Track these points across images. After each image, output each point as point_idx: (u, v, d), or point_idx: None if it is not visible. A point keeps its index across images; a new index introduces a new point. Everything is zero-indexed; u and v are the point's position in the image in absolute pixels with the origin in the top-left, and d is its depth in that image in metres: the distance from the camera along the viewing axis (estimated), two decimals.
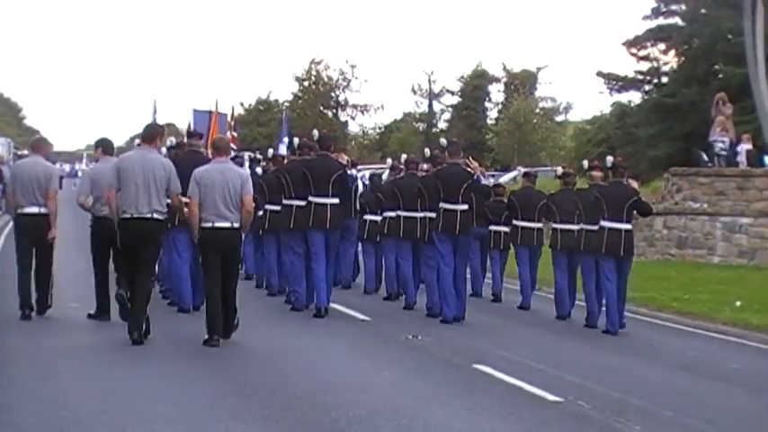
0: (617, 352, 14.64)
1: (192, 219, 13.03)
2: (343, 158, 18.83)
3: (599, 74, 62.10)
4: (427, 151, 19.18)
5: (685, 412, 10.50)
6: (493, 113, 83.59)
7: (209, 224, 12.92)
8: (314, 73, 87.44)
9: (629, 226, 16.29)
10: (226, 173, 13.06)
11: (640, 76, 60.72)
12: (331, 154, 16.70)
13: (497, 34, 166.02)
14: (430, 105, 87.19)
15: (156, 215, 12.78)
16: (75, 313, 15.09)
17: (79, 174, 49.01)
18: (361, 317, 16.31)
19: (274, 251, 18.84)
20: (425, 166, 18.37)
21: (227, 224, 12.91)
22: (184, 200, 13.29)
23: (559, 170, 19.52)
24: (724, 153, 32.96)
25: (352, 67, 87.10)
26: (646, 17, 58.85)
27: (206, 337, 12.82)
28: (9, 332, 13.44)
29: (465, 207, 16.24)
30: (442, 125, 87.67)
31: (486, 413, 9.89)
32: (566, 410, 10.20)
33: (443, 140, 17.82)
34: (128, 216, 12.72)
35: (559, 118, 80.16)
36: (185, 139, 17.10)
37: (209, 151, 15.68)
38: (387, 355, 13.06)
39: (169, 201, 13.13)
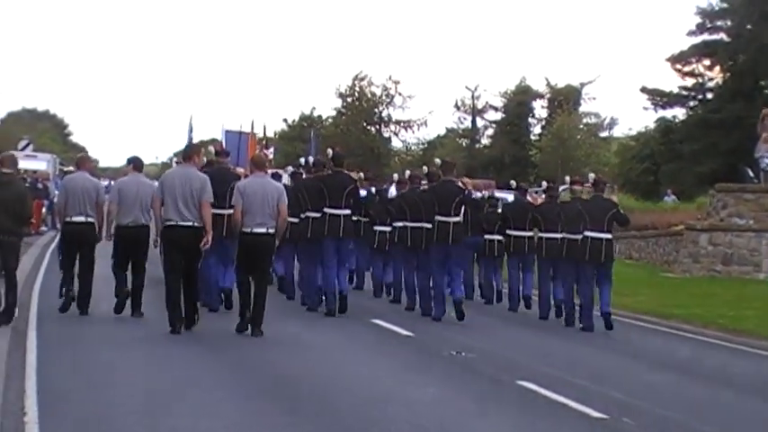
0: (661, 368, 14.59)
1: (237, 224, 15.06)
2: (355, 175, 20.69)
3: (643, 90, 61.93)
4: (425, 169, 21.03)
5: (729, 429, 10.46)
6: (536, 129, 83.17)
7: (249, 230, 14.93)
8: (357, 89, 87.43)
9: (609, 235, 18.20)
10: (265, 186, 15.22)
11: (685, 92, 60.47)
12: (343, 170, 18.42)
13: (541, 50, 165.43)
14: (473, 121, 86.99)
15: (196, 223, 14.69)
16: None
17: None
18: (404, 332, 16.33)
19: (292, 260, 20.15)
20: (424, 182, 19.86)
21: (263, 230, 14.94)
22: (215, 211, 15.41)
23: (544, 185, 21.45)
24: None
25: (396, 83, 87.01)
26: (690, 33, 58.66)
27: (237, 324, 15.05)
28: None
29: (457, 219, 18.15)
30: (485, 141, 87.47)
31: (531, 429, 9.90)
32: (609, 427, 10.19)
33: (438, 160, 20.73)
34: (172, 223, 14.73)
35: (603, 134, 79.64)
36: (214, 157, 18.57)
37: (249, 167, 17.25)
38: (430, 371, 13.09)
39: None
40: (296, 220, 18.52)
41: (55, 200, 24.51)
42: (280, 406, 10.41)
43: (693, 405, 11.75)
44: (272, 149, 40.18)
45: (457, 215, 18.13)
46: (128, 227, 16.10)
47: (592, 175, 19.65)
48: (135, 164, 17.05)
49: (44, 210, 34.47)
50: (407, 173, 21.66)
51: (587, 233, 18.10)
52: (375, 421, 9.79)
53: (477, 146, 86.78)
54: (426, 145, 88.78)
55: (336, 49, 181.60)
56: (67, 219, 16.39)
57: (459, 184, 18.45)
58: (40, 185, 34.61)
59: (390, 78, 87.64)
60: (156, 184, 15.69)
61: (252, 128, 30.83)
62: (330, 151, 19.14)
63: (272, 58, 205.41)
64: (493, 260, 21.88)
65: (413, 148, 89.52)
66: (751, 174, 33.62)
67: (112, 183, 21.12)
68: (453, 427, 9.71)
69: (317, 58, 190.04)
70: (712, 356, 16.58)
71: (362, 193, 19.72)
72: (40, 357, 12.36)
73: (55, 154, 58.91)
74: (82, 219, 16.27)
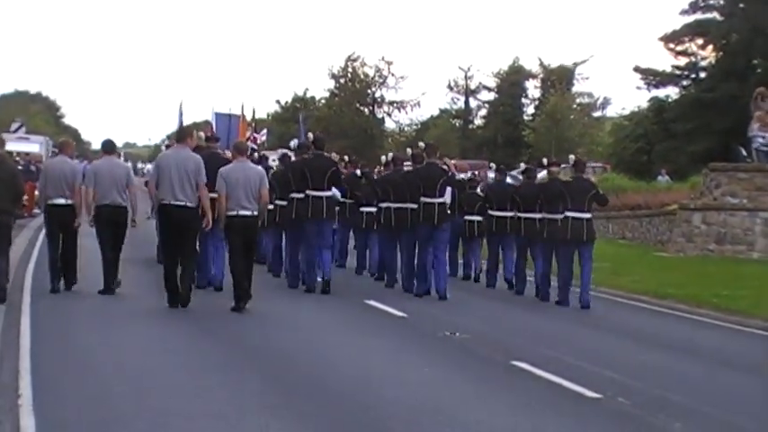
0: (656, 348, 14.58)
1: (221, 209, 15.75)
2: (336, 157, 21.31)
3: (636, 69, 61.89)
4: (409, 151, 21.30)
5: (726, 409, 10.46)
6: (530, 109, 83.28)
7: (234, 213, 15.66)
8: (350, 70, 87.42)
9: (589, 215, 18.70)
10: (246, 171, 15.93)
11: (678, 72, 60.45)
12: (324, 153, 19.09)
13: (534, 30, 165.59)
14: (466, 102, 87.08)
15: (188, 203, 15.39)
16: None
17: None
18: (398, 313, 16.32)
19: (279, 240, 20.80)
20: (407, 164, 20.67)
21: (248, 213, 15.69)
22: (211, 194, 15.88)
23: (522, 166, 22.09)
24: (764, 149, 32.65)
25: (389, 63, 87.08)
26: (683, 12, 58.62)
27: (233, 305, 15.55)
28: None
29: (442, 200, 18.66)
30: (478, 121, 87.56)
31: (526, 410, 9.88)
32: (605, 407, 10.18)
33: (421, 143, 21.58)
34: (166, 203, 15.40)
35: (597, 114, 79.71)
36: (203, 143, 18.96)
37: (232, 152, 17.66)
38: (425, 353, 13.07)
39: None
40: (284, 202, 19.22)
41: None
42: (273, 387, 10.39)
43: (688, 384, 11.74)
44: (264, 132, 40.22)
45: (441, 196, 18.67)
46: (108, 206, 16.79)
47: (572, 157, 20.24)
48: (105, 148, 17.76)
49: (37, 192, 34.39)
50: (390, 155, 22.41)
51: (568, 213, 18.55)
52: (369, 402, 9.78)
53: (471, 126, 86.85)
54: (419, 126, 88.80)
55: (329, 29, 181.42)
56: (49, 201, 17.14)
57: (443, 165, 19.01)
58: (32, 168, 34.50)
59: (383, 59, 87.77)
60: (130, 165, 16.36)
61: (242, 110, 31.10)
62: (311, 135, 20.05)
63: (265, 39, 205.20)
64: (473, 240, 22.58)
65: (406, 128, 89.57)
66: (744, 153, 33.58)
67: (88, 166, 21.50)
68: (448, 408, 9.69)
69: (309, 39, 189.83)
70: (707, 336, 16.58)
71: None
72: (34, 337, 12.42)
73: (48, 136, 58.78)
74: (62, 201, 17.04)
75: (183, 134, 16.62)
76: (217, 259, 18.00)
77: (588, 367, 12.26)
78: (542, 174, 22.31)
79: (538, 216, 19.70)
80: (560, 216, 18.70)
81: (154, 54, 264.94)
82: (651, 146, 58.93)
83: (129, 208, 17.07)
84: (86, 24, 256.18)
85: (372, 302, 17.39)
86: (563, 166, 22.31)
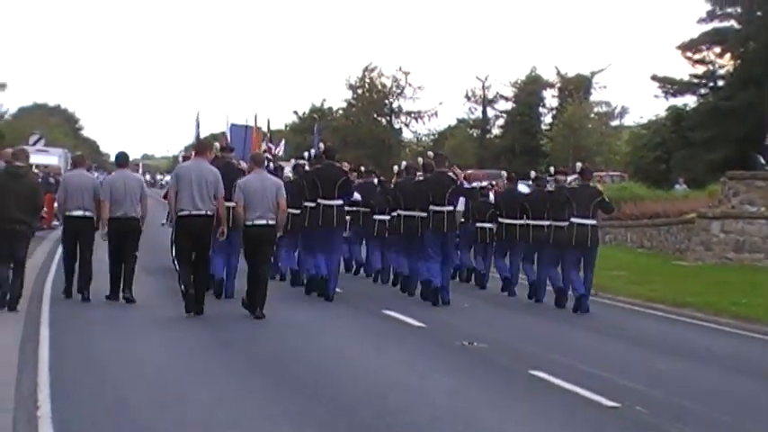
0: (674, 356, 14.54)
1: (239, 218, 16.33)
2: (346, 166, 21.45)
3: (654, 78, 61.75)
4: (420, 160, 21.64)
5: (743, 418, 10.43)
6: (547, 119, 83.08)
7: (251, 222, 16.12)
8: (367, 80, 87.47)
9: (594, 222, 19.23)
10: (264, 181, 16.42)
11: (696, 80, 60.27)
12: (336, 163, 19.54)
13: (551, 39, 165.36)
14: (484, 111, 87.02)
15: (208, 212, 15.89)
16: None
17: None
18: (416, 323, 16.32)
19: (294, 249, 21.29)
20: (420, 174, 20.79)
21: (263, 222, 16.16)
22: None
23: (533, 174, 22.24)
24: None
25: (406, 74, 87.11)
26: (701, 20, 58.46)
27: (251, 312, 15.93)
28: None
29: (451, 208, 19.02)
30: (496, 131, 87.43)
31: (544, 419, 9.88)
32: (623, 416, 10.16)
33: (430, 153, 22.38)
34: (185, 213, 15.84)
35: (614, 122, 79.56)
36: (219, 153, 19.38)
37: (249, 164, 18.20)
38: (442, 361, 13.07)
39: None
40: (297, 211, 19.54)
41: None
42: (290, 397, 10.40)
43: (707, 393, 11.70)
44: (282, 143, 40.27)
45: (451, 204, 19.03)
46: (119, 219, 17.34)
47: (579, 164, 20.65)
48: (118, 161, 18.55)
49: (56, 204, 34.48)
50: (404, 163, 23.00)
51: (573, 219, 19.03)
52: (388, 411, 9.78)
53: (488, 136, 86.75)
54: (437, 136, 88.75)
55: (346, 40, 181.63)
56: (67, 213, 17.70)
57: (452, 174, 19.36)
58: (51, 180, 34.59)
59: (400, 69, 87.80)
60: (143, 177, 16.75)
61: (255, 122, 31.24)
62: (322, 145, 20.74)
63: (282, 50, 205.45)
64: (484, 247, 22.81)
65: (423, 138, 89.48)
66: (762, 161, 33.49)
67: (102, 178, 21.94)
68: (466, 417, 9.69)
69: (327, 50, 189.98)
70: (725, 344, 16.52)
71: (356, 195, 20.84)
72: (53, 348, 12.46)
73: (66, 148, 58.96)
74: (80, 213, 17.57)
75: (202, 147, 17.14)
76: (229, 267, 18.33)
77: (606, 376, 12.24)
78: (571, 177, 22.48)
79: (546, 223, 20.06)
80: (566, 223, 19.15)
81: (171, 66, 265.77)
82: (669, 154, 58.75)
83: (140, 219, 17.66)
84: (104, 37, 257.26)
85: (390, 312, 17.40)
86: (572, 177, 22.40)
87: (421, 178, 20.37)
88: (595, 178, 53.55)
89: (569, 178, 21.57)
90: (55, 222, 34.13)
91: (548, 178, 21.54)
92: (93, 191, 17.67)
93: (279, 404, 10.00)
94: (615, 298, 21.95)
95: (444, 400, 10.47)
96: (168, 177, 18.14)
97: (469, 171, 55.67)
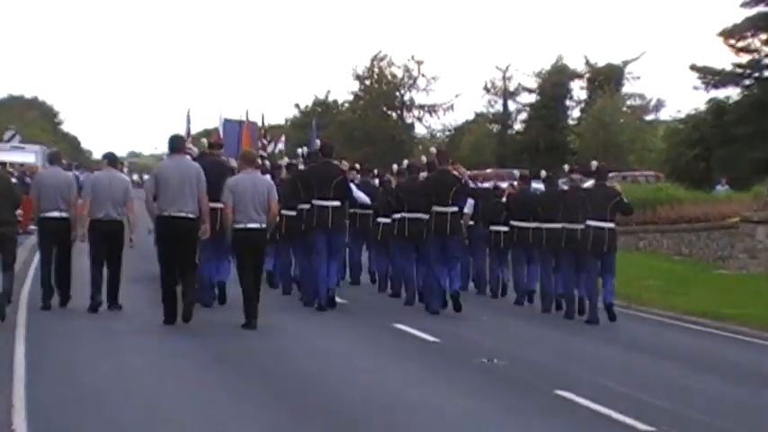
0: (713, 374, 14.56)
1: (227, 220, 16.51)
2: (345, 165, 21.62)
3: (693, 67, 61.64)
4: (424, 158, 22.20)
5: None
6: (575, 113, 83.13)
7: (242, 225, 16.34)
8: (376, 70, 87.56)
9: (611, 225, 19.33)
10: (255, 181, 16.65)
11: (739, 70, 60.13)
12: (332, 161, 19.60)
13: (579, 25, 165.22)
14: (505, 105, 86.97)
15: (190, 214, 16.09)
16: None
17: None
18: (430, 338, 16.35)
19: (289, 254, 21.50)
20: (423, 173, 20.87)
21: (256, 225, 16.36)
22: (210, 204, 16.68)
23: (543, 173, 22.18)
24: None
25: (419, 63, 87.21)
26: (744, 4, 58.33)
27: (244, 322, 16.13)
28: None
29: (455, 209, 19.35)
30: (517, 126, 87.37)
31: None
32: None
33: (433, 149, 22.71)
34: (166, 215, 16.07)
35: (649, 117, 79.55)
36: (207, 150, 19.74)
37: (239, 162, 18.26)
38: (459, 380, 13.10)
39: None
40: (293, 213, 19.84)
41: None
42: (292, 418, 10.44)
43: (749, 415, 11.73)
44: (282, 139, 40.36)
45: (454, 205, 19.35)
46: (101, 221, 17.49)
47: (594, 163, 20.80)
48: (109, 160, 18.41)
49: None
50: (405, 162, 22.88)
51: (589, 222, 19.20)
52: None
53: (509, 132, 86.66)
54: (453, 131, 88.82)
55: (353, 26, 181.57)
56: (42, 215, 17.81)
57: (455, 173, 19.58)
58: (28, 180, 34.57)
59: (413, 58, 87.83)
60: (131, 177, 16.86)
61: (247, 117, 31.30)
62: (318, 142, 20.98)
63: (282, 37, 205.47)
64: (498, 252, 22.95)
65: (438, 134, 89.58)
66: None
67: (81, 177, 22.13)
68: None
69: (331, 37, 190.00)
70: None
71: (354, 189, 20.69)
72: (30, 366, 12.50)
73: (44, 145, 59.09)
74: (56, 214, 17.73)
75: (178, 143, 17.08)
76: (222, 268, 18.58)
77: (639, 396, 12.27)
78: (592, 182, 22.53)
79: (559, 226, 20.23)
80: (581, 226, 19.33)
81: (160, 56, 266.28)
82: (709, 152, 58.65)
83: (125, 224, 17.75)
84: (86, 23, 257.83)
85: (401, 326, 17.43)
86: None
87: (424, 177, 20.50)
88: (629, 178, 53.70)
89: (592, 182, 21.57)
90: (32, 227, 34.29)
91: (571, 177, 21.40)
92: (70, 190, 17.88)
93: (281, 427, 10.03)
94: (649, 310, 21.97)
95: (461, 423, 10.51)
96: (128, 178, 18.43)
97: (489, 170, 55.85)
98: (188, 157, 17.32)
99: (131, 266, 20.13)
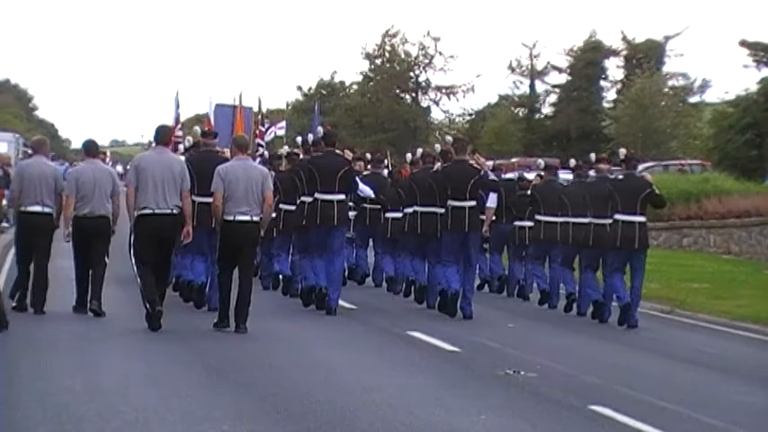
0: (760, 385, 14.53)
1: (217, 212, 16.72)
2: (349, 155, 21.92)
3: (743, 43, 61.60)
4: (438, 147, 22.36)
5: None
6: (610, 94, 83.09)
7: (232, 217, 16.58)
8: (388, 48, 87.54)
9: (642, 219, 19.51)
10: (248, 170, 16.89)
11: None
12: (337, 150, 19.88)
13: None
14: (532, 86, 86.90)
15: (174, 210, 16.48)
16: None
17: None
18: (449, 347, 16.34)
19: (286, 252, 21.95)
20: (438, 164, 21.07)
21: (247, 218, 16.60)
22: (198, 199, 17.64)
23: (572, 162, 22.43)
24: None
25: (435, 40, 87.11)
26: None
27: (215, 321, 16.72)
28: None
29: (473, 203, 19.55)
30: (546, 110, 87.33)
31: None
32: None
33: (449, 137, 22.64)
34: (148, 212, 16.40)
35: (693, 99, 79.43)
36: (200, 138, 19.97)
37: (231, 148, 18.53)
38: (482, 395, 13.07)
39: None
40: (292, 207, 20.03)
41: None
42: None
43: None
44: (282, 124, 40.41)
45: (473, 199, 19.54)
46: (85, 217, 17.78)
47: (623, 151, 20.92)
48: (87, 150, 18.68)
49: (4, 201, 34.49)
50: (419, 151, 23.12)
51: (618, 216, 19.41)
52: None
53: (537, 116, 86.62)
54: (474, 116, 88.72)
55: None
56: (22, 208, 17.96)
57: (474, 163, 19.86)
58: (0, 171, 34.54)
59: (428, 34, 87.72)
60: (114, 168, 17.12)
61: (240, 101, 31.37)
62: (320, 129, 20.72)
63: (282, 12, 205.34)
64: (523, 250, 23.44)
65: (457, 119, 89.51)
66: None
67: (69, 170, 22.32)
68: None
69: (337, 11, 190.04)
70: None
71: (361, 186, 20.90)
72: (3, 379, 12.51)
73: (18, 133, 59.22)
74: (38, 208, 17.85)
75: (166, 136, 17.47)
76: (211, 273, 18.66)
77: (684, 412, 12.24)
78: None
79: (586, 221, 20.48)
80: (609, 220, 19.58)
81: (146, 34, 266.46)
82: (762, 138, 58.53)
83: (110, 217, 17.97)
84: (63, 3, 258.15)
85: (416, 333, 17.42)
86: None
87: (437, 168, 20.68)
88: (675, 168, 53.54)
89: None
90: (4, 224, 34.33)
91: (598, 167, 21.58)
92: (55, 183, 17.97)
93: None
94: (695, 316, 21.94)
95: None
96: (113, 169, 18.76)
97: (514, 159, 55.82)
98: (172, 151, 17.91)
99: (119, 266, 20.24)
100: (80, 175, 17.98)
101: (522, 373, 14.39)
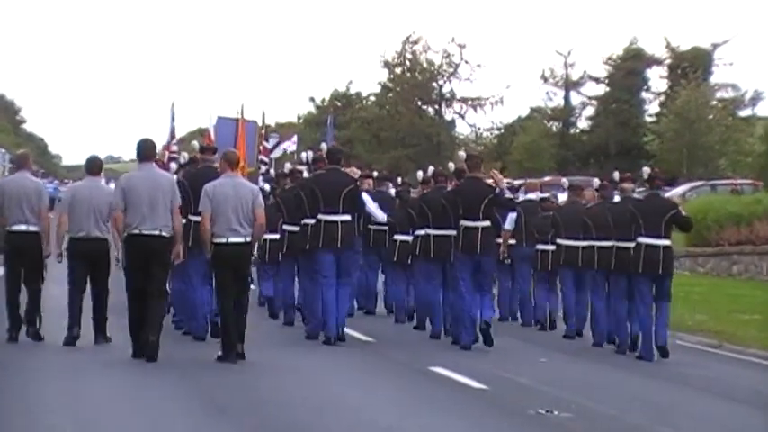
0: None
1: (204, 234, 16.99)
2: (355, 172, 21.66)
3: None
4: (451, 165, 22.61)
5: None
6: (653, 107, 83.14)
7: (224, 240, 16.82)
8: (409, 56, 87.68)
9: (668, 242, 19.71)
10: (237, 187, 17.11)
11: None
12: (341, 168, 19.97)
13: (658, 1, 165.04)
14: (566, 97, 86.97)
15: (163, 232, 16.65)
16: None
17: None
18: (476, 384, 16.31)
19: (291, 277, 22.09)
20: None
21: (239, 239, 16.82)
22: (195, 219, 17.76)
23: (596, 182, 22.76)
24: None
25: (461, 47, 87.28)
26: None
27: (220, 353, 16.69)
28: None
29: (487, 224, 19.76)
30: (582, 124, 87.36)
31: None
32: None
33: (461, 153, 23.57)
34: (136, 232, 16.58)
35: (744, 112, 79.37)
36: (198, 154, 20.17)
37: (221, 164, 18.47)
38: None
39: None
40: (295, 228, 20.47)
41: None
42: None
43: None
44: (294, 139, 40.57)
45: (487, 219, 19.76)
46: (81, 240, 17.98)
47: (646, 169, 21.33)
48: (88, 168, 18.77)
49: None
50: (431, 169, 23.32)
51: (641, 239, 19.62)
52: None
53: (573, 130, 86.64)
54: (502, 130, 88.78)
55: (380, 2, 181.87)
56: (7, 228, 18.19)
57: (489, 181, 20.01)
58: None
59: (453, 41, 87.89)
60: (112, 186, 17.73)
61: (241, 114, 31.57)
62: (324, 146, 21.21)
63: (294, 18, 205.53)
64: (547, 276, 23.68)
65: (484, 134, 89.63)
66: None
67: (60, 187, 22.63)
68: None
69: (354, 17, 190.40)
70: None
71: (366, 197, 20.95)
72: None
73: (4, 148, 59.46)
74: (23, 227, 18.11)
75: (148, 150, 17.45)
76: (204, 299, 18.92)
77: None
78: (673, 192, 22.76)
79: (610, 244, 20.74)
80: (632, 243, 19.72)
81: (143, 43, 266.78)
82: None
83: (111, 242, 17.94)
84: (51, 6, 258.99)
85: (440, 369, 17.39)
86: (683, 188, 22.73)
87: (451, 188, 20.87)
88: (724, 188, 53.42)
89: (678, 190, 21.69)
90: None
91: (621, 186, 21.57)
92: (39, 199, 18.10)
93: None
94: (745, 351, 21.88)
95: None
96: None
97: (547, 178, 55.71)
98: (165, 168, 18.16)
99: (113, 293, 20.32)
100: (76, 194, 18.16)
101: (556, 413, 14.36)
